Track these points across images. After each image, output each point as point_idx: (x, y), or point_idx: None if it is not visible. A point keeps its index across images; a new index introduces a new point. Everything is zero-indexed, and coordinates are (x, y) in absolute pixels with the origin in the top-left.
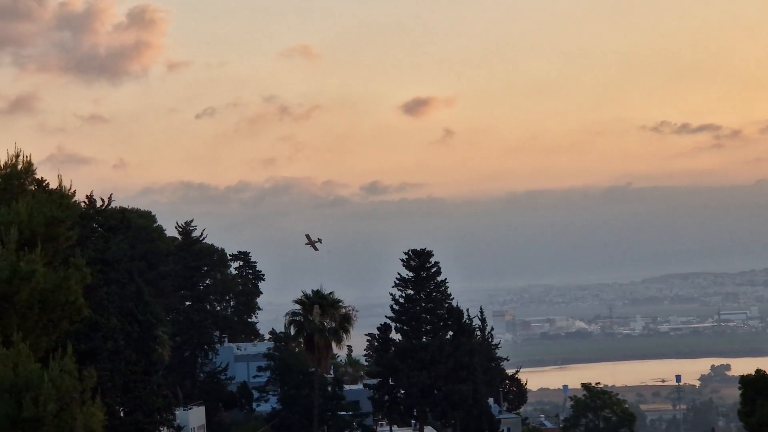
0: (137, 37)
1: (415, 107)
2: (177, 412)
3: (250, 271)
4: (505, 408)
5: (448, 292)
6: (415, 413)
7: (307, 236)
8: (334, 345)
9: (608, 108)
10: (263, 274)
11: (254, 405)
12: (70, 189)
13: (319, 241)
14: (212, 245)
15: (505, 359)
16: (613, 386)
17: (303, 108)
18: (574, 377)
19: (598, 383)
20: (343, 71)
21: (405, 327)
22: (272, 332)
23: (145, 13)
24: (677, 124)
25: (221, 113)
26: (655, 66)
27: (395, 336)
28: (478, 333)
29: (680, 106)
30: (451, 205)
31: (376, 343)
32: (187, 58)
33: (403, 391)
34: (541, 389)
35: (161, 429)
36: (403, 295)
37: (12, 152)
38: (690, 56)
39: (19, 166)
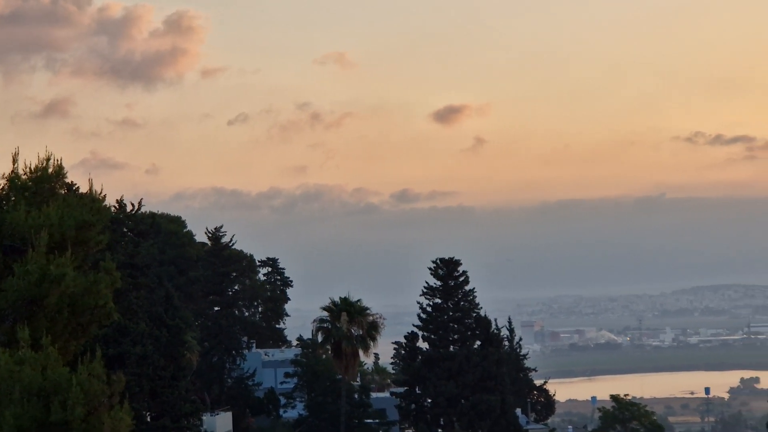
0: (173, 43)
1: (446, 115)
2: (204, 418)
3: (279, 278)
4: (532, 419)
5: (476, 302)
6: (441, 422)
7: None
8: (361, 352)
9: (642, 118)
10: (291, 281)
11: (281, 411)
12: (100, 193)
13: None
14: (241, 251)
15: (533, 370)
16: (641, 398)
17: (335, 115)
18: (602, 388)
19: (627, 395)
20: (376, 79)
21: (432, 336)
22: (300, 339)
23: (182, 20)
24: (711, 134)
25: (254, 120)
26: (690, 76)
27: (422, 344)
28: (506, 343)
29: (714, 116)
30: (481, 214)
31: (403, 352)
32: (221, 64)
33: (430, 400)
34: (569, 400)
35: None
36: (431, 303)
37: (43, 156)
38: (725, 67)
39: (50, 170)
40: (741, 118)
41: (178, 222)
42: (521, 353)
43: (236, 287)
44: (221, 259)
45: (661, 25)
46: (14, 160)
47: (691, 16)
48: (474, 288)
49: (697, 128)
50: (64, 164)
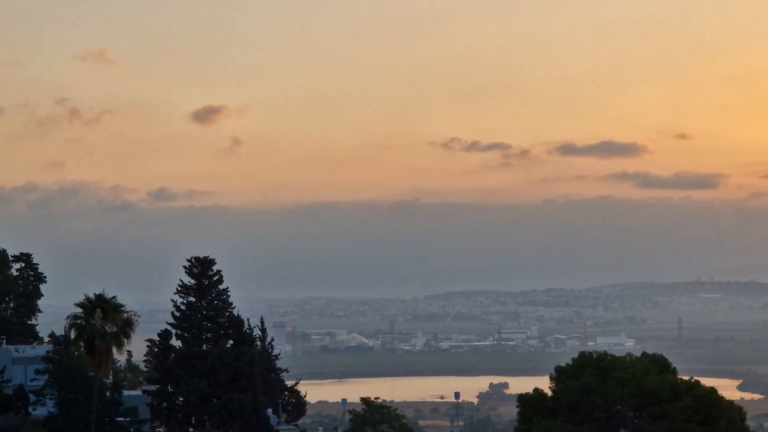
0: None
1: (205, 115)
2: None
3: (32, 273)
4: (283, 419)
5: (230, 301)
6: (193, 421)
7: None
8: (114, 350)
9: (399, 122)
10: (45, 277)
11: (30, 409)
12: None
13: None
14: None
15: (285, 370)
16: (392, 401)
17: (94, 112)
18: (353, 391)
19: (378, 398)
20: (136, 77)
21: (186, 334)
22: (52, 335)
23: None
24: (468, 141)
25: (10, 113)
26: (447, 82)
27: (176, 343)
28: (258, 343)
29: (471, 123)
30: (236, 214)
31: (156, 349)
32: None
33: (182, 399)
34: (319, 402)
35: None
36: (185, 302)
37: None
38: (481, 75)
39: None
40: (497, 125)
41: None
42: (273, 353)
43: None
44: None
45: (417, 31)
46: None
47: (447, 22)
48: (228, 287)
49: (454, 134)
50: None
